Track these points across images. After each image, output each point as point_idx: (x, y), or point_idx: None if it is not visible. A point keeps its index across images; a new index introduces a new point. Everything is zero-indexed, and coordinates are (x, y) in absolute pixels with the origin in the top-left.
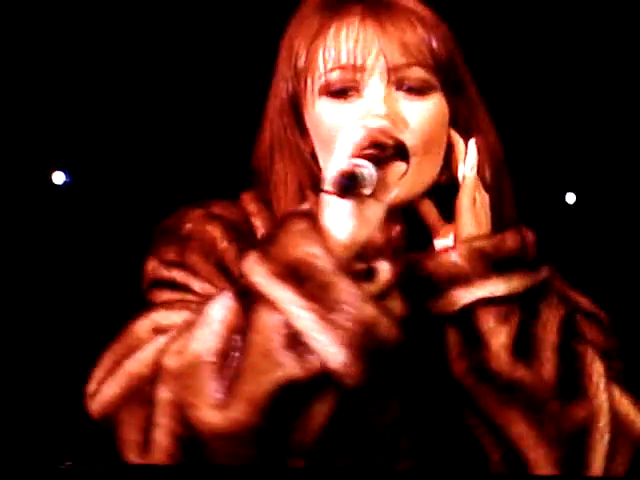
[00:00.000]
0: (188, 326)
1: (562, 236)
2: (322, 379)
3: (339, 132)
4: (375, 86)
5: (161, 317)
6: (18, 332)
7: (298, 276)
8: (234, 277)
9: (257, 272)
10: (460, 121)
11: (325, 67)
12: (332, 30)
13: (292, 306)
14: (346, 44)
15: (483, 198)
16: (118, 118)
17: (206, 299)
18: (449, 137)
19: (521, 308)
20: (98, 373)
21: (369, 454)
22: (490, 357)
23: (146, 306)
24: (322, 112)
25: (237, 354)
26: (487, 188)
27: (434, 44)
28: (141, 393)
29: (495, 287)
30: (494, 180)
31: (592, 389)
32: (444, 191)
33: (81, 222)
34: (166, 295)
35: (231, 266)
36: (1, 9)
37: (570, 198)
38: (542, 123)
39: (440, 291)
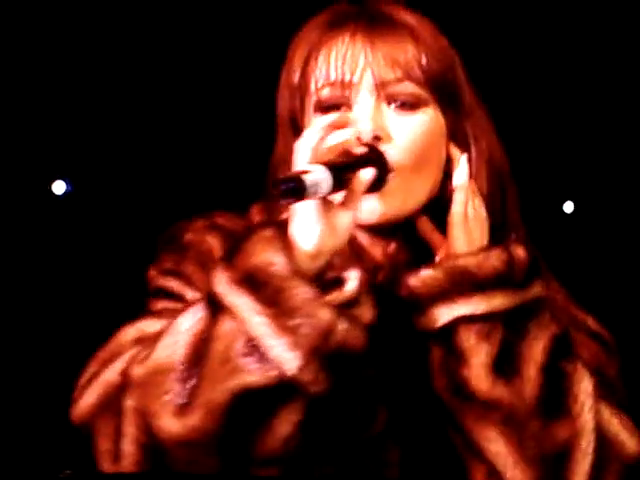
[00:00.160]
0: (157, 335)
1: (560, 245)
2: (287, 386)
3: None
4: (364, 102)
5: (147, 325)
6: (20, 339)
7: (255, 282)
8: None
9: (219, 280)
10: (459, 135)
11: (316, 85)
12: (325, 48)
13: (249, 312)
14: (335, 61)
15: (478, 212)
16: (119, 128)
17: None
18: (449, 152)
19: (505, 326)
20: (82, 380)
21: (355, 466)
22: (469, 375)
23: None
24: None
25: (201, 362)
26: (487, 200)
27: (425, 59)
28: (114, 402)
29: (476, 305)
30: (495, 191)
31: (576, 408)
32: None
33: (81, 232)
34: (163, 304)
35: None
36: (3, 20)
37: (568, 207)
38: (540, 132)
39: (423, 308)
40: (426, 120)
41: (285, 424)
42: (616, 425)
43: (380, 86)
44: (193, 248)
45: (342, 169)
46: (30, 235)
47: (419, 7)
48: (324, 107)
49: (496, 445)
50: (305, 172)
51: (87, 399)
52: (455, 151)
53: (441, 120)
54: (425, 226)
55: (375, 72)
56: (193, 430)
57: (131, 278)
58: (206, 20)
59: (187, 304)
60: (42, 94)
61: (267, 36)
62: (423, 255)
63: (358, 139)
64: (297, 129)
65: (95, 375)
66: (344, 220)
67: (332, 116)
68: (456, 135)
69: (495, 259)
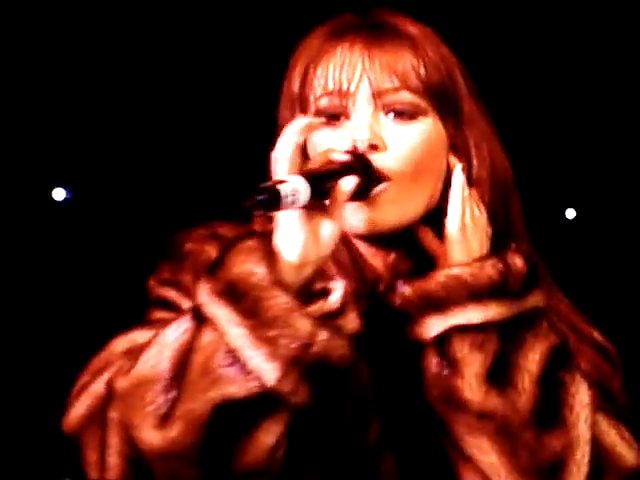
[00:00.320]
0: (143, 347)
1: (562, 251)
2: (269, 397)
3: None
4: (361, 111)
5: (139, 336)
6: (19, 346)
7: (235, 294)
8: None
9: (202, 291)
10: (460, 144)
11: (315, 94)
12: (324, 58)
13: (228, 324)
14: (333, 70)
15: (477, 221)
16: (118, 136)
17: None
18: (449, 161)
19: (501, 336)
20: (74, 390)
21: (350, 476)
22: (462, 385)
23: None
24: (317, 138)
25: (183, 374)
26: (489, 208)
27: (424, 68)
28: (100, 414)
29: (471, 315)
30: (498, 200)
31: (572, 419)
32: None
33: (81, 238)
34: (161, 314)
35: None
36: (3, 27)
37: (570, 214)
38: (542, 139)
39: (416, 317)
40: (424, 129)
41: (268, 435)
42: (614, 437)
43: (377, 95)
44: (192, 258)
45: (323, 178)
46: (30, 241)
47: (423, 15)
48: (323, 116)
49: (489, 456)
50: (281, 182)
51: (77, 410)
52: (454, 160)
53: (441, 129)
54: (426, 236)
55: (372, 81)
56: (173, 443)
57: (130, 285)
58: (210, 31)
59: (180, 315)
60: (43, 102)
61: (271, 47)
62: (425, 265)
63: (354, 147)
64: None
65: (86, 385)
66: (328, 229)
67: (301, 121)
68: (457, 144)
69: (490, 269)
